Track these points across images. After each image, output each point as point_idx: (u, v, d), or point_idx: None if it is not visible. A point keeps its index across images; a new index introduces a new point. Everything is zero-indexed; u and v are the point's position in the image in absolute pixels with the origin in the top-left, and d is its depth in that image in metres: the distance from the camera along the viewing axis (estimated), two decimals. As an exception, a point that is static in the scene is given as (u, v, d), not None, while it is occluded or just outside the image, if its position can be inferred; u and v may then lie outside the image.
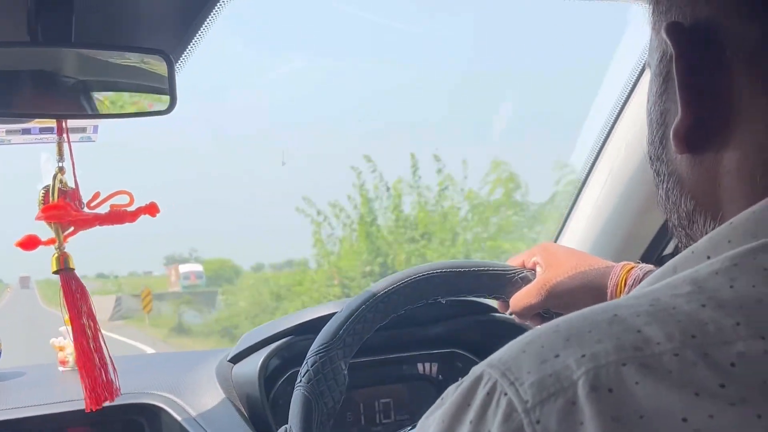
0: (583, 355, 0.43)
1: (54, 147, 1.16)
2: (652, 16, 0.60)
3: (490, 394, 0.44)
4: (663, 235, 1.47)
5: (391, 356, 1.49)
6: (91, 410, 1.12)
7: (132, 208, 1.14)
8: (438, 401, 0.49)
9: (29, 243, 1.12)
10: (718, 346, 0.42)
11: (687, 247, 0.54)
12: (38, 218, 1.10)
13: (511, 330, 1.45)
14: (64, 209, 1.09)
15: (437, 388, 1.54)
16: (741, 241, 0.48)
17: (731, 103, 0.52)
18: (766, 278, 0.45)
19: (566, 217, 1.58)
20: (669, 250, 1.51)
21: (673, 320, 0.43)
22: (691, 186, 0.56)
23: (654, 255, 1.50)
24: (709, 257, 0.49)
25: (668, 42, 0.55)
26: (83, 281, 1.14)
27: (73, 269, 1.13)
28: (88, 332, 1.14)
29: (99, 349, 1.15)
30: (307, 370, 1.05)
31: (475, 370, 0.47)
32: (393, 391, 1.50)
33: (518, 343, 0.47)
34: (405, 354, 1.51)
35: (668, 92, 0.57)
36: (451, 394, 0.47)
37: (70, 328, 1.49)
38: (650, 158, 0.61)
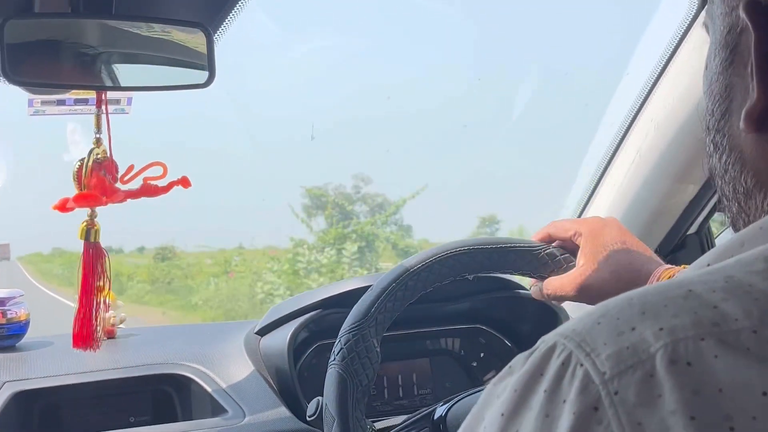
0: (661, 329, 0.43)
1: (82, 119, 1.16)
2: None
3: (564, 365, 0.44)
4: (689, 214, 1.47)
5: (415, 331, 1.50)
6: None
7: (164, 182, 1.14)
8: (506, 369, 0.48)
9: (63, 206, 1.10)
10: None
11: (737, 218, 0.55)
12: (69, 208, 1.09)
13: (535, 307, 1.46)
14: (94, 199, 1.09)
15: (459, 362, 1.55)
16: None
17: None
18: None
19: (591, 193, 1.58)
20: (693, 229, 1.51)
21: (750, 297, 0.43)
22: (754, 163, 0.55)
23: (678, 234, 1.50)
24: None
25: (746, 20, 0.54)
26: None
27: (98, 242, 1.13)
28: (98, 295, 1.13)
29: (95, 308, 1.14)
30: (341, 348, 1.05)
31: (546, 340, 0.47)
32: (416, 365, 1.51)
33: (591, 315, 0.47)
34: (429, 329, 1.52)
35: (735, 65, 0.56)
36: (521, 363, 0.47)
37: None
38: (707, 128, 0.60)
